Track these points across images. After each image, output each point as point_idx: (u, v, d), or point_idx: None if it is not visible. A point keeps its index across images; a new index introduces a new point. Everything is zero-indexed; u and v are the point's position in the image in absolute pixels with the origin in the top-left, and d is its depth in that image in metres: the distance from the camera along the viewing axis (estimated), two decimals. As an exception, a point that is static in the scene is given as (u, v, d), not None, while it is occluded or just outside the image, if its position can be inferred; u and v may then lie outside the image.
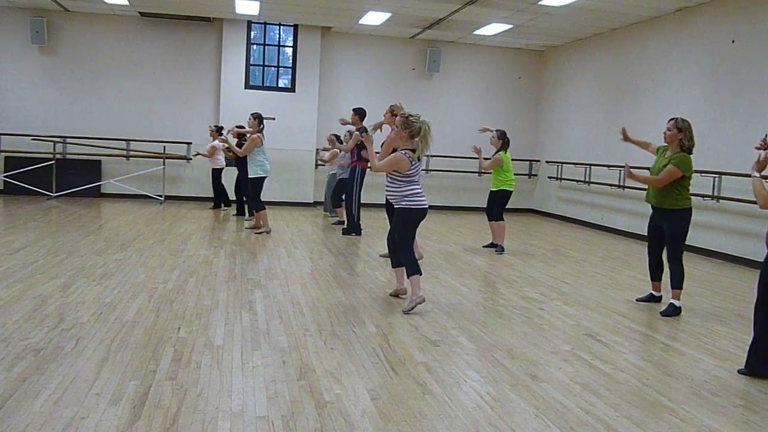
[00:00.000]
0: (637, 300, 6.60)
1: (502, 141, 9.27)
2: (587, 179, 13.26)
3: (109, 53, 13.94)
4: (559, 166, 14.46)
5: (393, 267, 6.22)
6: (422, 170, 6.28)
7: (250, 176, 10.01)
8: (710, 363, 4.77)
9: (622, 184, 12.04)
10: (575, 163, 13.72)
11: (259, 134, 9.91)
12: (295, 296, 6.14)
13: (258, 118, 10.02)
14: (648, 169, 6.44)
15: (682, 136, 6.04)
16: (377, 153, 6.00)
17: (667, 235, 6.19)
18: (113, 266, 7.01)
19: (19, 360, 4.02)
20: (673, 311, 6.06)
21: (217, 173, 12.79)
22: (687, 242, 6.29)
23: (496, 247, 9.42)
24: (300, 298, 6.09)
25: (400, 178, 5.78)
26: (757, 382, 4.37)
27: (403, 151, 5.77)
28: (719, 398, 4.04)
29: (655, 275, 6.52)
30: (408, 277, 5.87)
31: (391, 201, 6.13)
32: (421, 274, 5.84)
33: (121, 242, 8.55)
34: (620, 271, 8.45)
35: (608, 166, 12.38)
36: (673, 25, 11.03)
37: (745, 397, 4.09)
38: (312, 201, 14.63)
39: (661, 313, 6.12)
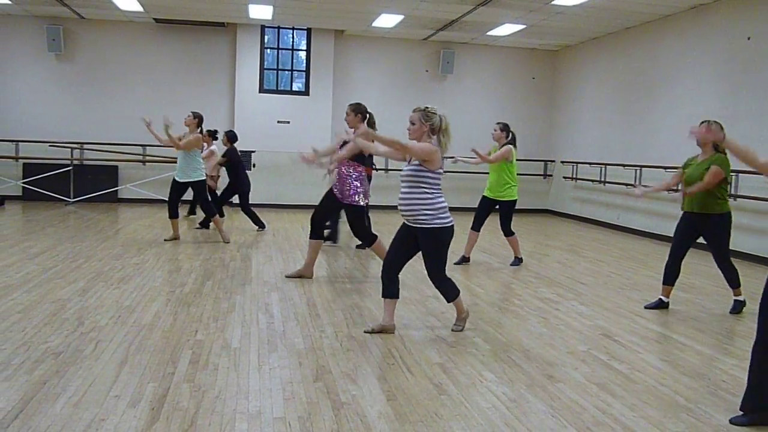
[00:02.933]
0: (645, 307, 6.33)
1: (507, 133, 8.10)
2: (602, 179, 13.19)
3: (125, 59, 14.09)
4: (574, 166, 14.40)
5: (384, 297, 5.18)
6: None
7: (195, 180, 8.97)
8: (728, 362, 4.74)
9: (637, 183, 11.96)
10: (590, 163, 13.65)
11: (200, 136, 8.98)
12: (311, 298, 6.17)
13: (198, 117, 8.99)
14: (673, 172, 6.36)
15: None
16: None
17: (711, 242, 6.14)
18: (131, 270, 7.09)
19: (39, 363, 4.08)
20: (740, 307, 6.28)
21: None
22: (705, 242, 6.22)
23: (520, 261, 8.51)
24: (316, 300, 6.12)
25: (429, 188, 4.94)
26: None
27: (431, 142, 4.95)
28: (737, 398, 3.99)
29: (669, 279, 6.29)
30: (449, 302, 5.26)
31: (414, 221, 5.00)
32: (459, 293, 5.24)
33: (139, 246, 8.63)
34: (637, 271, 8.40)
35: (623, 165, 12.32)
36: (687, 23, 10.95)
37: (764, 396, 4.05)
38: (327, 204, 14.64)
39: (730, 311, 6.27)
